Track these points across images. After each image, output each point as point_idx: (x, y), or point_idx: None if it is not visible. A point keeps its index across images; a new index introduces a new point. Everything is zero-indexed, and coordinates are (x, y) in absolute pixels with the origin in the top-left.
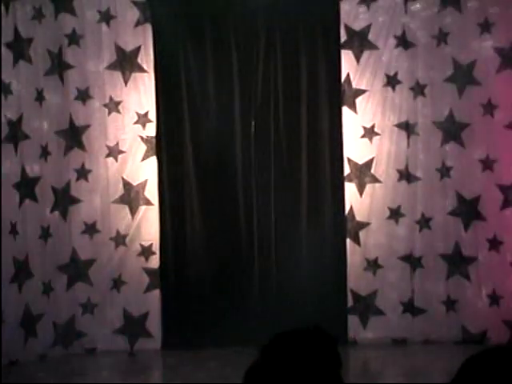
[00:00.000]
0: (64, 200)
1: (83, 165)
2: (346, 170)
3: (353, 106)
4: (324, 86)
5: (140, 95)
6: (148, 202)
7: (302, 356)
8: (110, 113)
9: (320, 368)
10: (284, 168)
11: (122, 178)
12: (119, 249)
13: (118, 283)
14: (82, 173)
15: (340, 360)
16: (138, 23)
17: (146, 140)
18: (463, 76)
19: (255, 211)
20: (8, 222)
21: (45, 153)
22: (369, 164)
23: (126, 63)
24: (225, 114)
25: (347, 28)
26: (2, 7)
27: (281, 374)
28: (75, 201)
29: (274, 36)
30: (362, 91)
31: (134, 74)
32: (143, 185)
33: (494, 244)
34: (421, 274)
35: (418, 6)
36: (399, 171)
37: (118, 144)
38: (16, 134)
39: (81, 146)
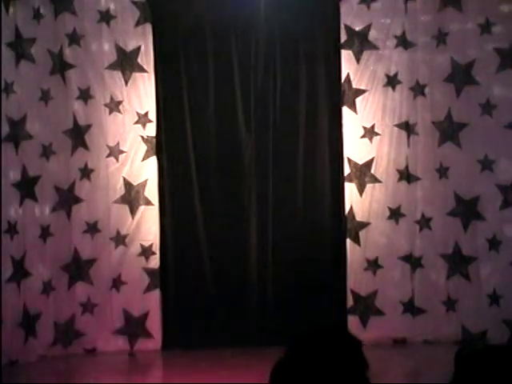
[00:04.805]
0: (68, 199)
1: (86, 164)
2: (346, 170)
3: (353, 106)
4: (324, 85)
5: (140, 95)
6: (148, 202)
7: (329, 355)
8: (110, 112)
9: (347, 368)
10: (284, 168)
11: (123, 178)
12: (119, 249)
13: (117, 283)
14: (85, 172)
15: (366, 361)
16: (138, 23)
17: (146, 140)
18: (462, 76)
19: (256, 211)
20: (9, 222)
21: (46, 152)
22: (369, 164)
23: (126, 63)
24: (225, 113)
25: (347, 28)
26: (3, 7)
27: (309, 373)
28: (78, 200)
29: (274, 36)
30: (362, 91)
31: (134, 74)
32: (143, 185)
33: (494, 244)
34: (421, 273)
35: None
36: (399, 171)
37: (118, 144)
38: (17, 133)
39: (84, 145)
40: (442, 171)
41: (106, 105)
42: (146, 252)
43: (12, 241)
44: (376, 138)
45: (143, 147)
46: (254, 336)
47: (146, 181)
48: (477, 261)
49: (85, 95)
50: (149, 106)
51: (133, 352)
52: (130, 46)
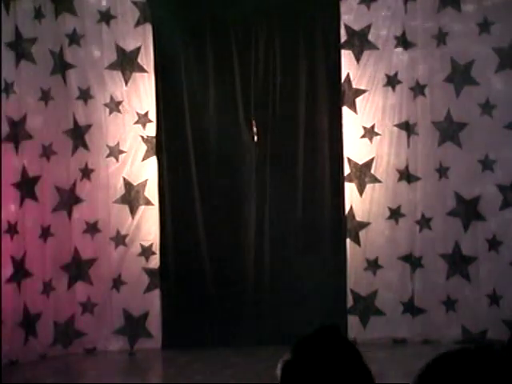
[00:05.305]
0: (69, 199)
1: (86, 164)
2: (346, 170)
3: (353, 106)
4: (324, 85)
5: (140, 95)
6: (148, 202)
7: (336, 356)
8: (110, 112)
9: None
10: (284, 168)
11: (123, 178)
12: (119, 249)
13: (117, 283)
14: (86, 172)
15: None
16: (138, 23)
17: (146, 140)
18: (461, 76)
19: (256, 211)
20: (9, 222)
21: (47, 152)
22: (369, 164)
23: (126, 63)
24: (225, 113)
25: (347, 28)
26: (3, 7)
27: (317, 372)
28: (78, 200)
29: (273, 36)
30: (362, 91)
31: (134, 74)
32: (143, 185)
33: (494, 244)
34: (421, 274)
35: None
36: (399, 171)
37: (118, 144)
38: (17, 133)
39: (84, 145)
40: (442, 171)
41: (105, 105)
42: (146, 252)
43: (12, 241)
44: (376, 138)
45: (143, 147)
46: (254, 336)
47: (146, 181)
48: (477, 261)
49: (85, 95)
50: (149, 106)
51: (133, 352)
52: (130, 46)
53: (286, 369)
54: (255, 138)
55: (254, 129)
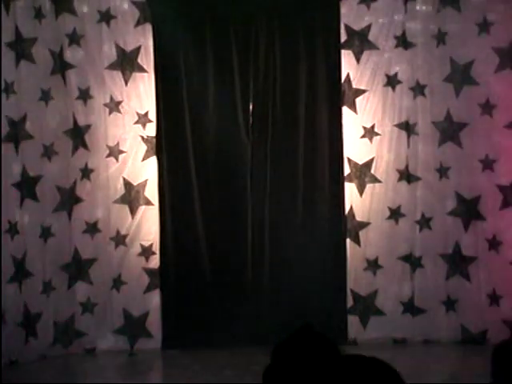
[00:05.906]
0: (70, 199)
1: (86, 164)
2: (346, 170)
3: (353, 106)
4: (324, 85)
5: (140, 95)
6: (148, 202)
7: (313, 358)
8: (110, 112)
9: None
10: (283, 168)
11: (123, 178)
12: (119, 249)
13: (117, 283)
14: (86, 172)
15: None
16: (138, 23)
17: (146, 140)
18: (461, 76)
19: (255, 211)
20: (9, 222)
21: (47, 152)
22: (369, 164)
23: (126, 63)
24: (225, 113)
25: (347, 28)
26: (3, 7)
27: (294, 373)
28: (78, 200)
29: (274, 36)
30: (362, 91)
31: (134, 74)
32: (143, 185)
33: (494, 244)
34: (421, 274)
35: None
36: (399, 171)
37: (118, 144)
38: (17, 133)
39: (84, 145)
40: (442, 171)
41: (105, 105)
42: (146, 252)
43: (12, 241)
44: (376, 138)
45: (143, 147)
46: (254, 336)
47: (145, 181)
48: (477, 261)
49: (85, 95)
50: (149, 106)
51: (133, 352)
52: (130, 46)
53: (266, 372)
54: (255, 137)
55: (252, 126)
